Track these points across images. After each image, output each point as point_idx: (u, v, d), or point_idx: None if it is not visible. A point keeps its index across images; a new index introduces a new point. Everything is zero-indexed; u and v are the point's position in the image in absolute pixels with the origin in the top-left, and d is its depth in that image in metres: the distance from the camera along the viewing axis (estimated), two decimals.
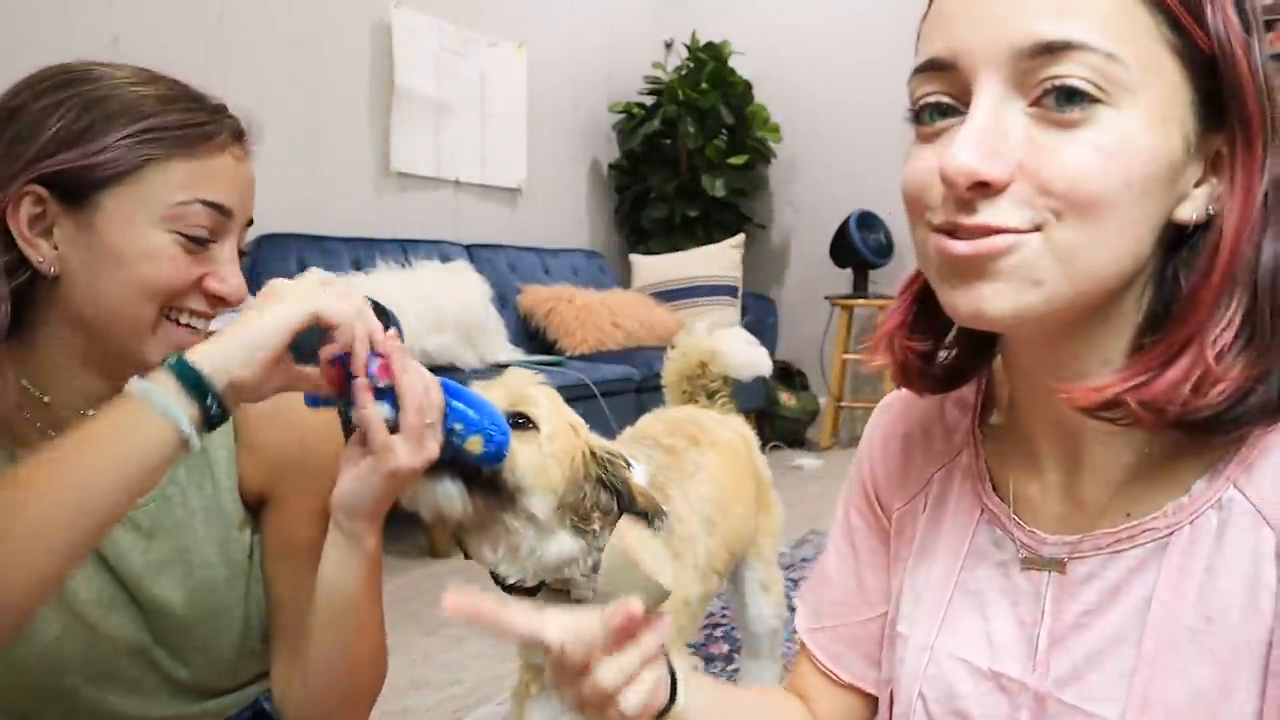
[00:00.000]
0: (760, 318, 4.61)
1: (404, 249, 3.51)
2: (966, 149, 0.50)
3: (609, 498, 1.01)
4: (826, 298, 4.69)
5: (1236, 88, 0.49)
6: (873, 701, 0.75)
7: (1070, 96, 0.49)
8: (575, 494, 0.99)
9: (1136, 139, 0.49)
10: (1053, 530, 0.61)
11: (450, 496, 0.89)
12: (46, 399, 0.78)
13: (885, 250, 4.53)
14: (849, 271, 4.61)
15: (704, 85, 4.66)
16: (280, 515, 0.91)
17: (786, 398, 4.66)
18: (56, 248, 0.74)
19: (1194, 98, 0.51)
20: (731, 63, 4.75)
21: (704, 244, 4.60)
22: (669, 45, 5.14)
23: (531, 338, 3.85)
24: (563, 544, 1.00)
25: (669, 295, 4.39)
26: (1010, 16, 0.49)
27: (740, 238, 4.53)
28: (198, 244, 0.76)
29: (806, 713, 0.77)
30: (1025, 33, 0.49)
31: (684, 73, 4.74)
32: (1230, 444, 0.54)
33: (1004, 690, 0.61)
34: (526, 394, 1.00)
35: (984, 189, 0.50)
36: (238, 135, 0.80)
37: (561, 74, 4.63)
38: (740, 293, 4.49)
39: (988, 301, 0.52)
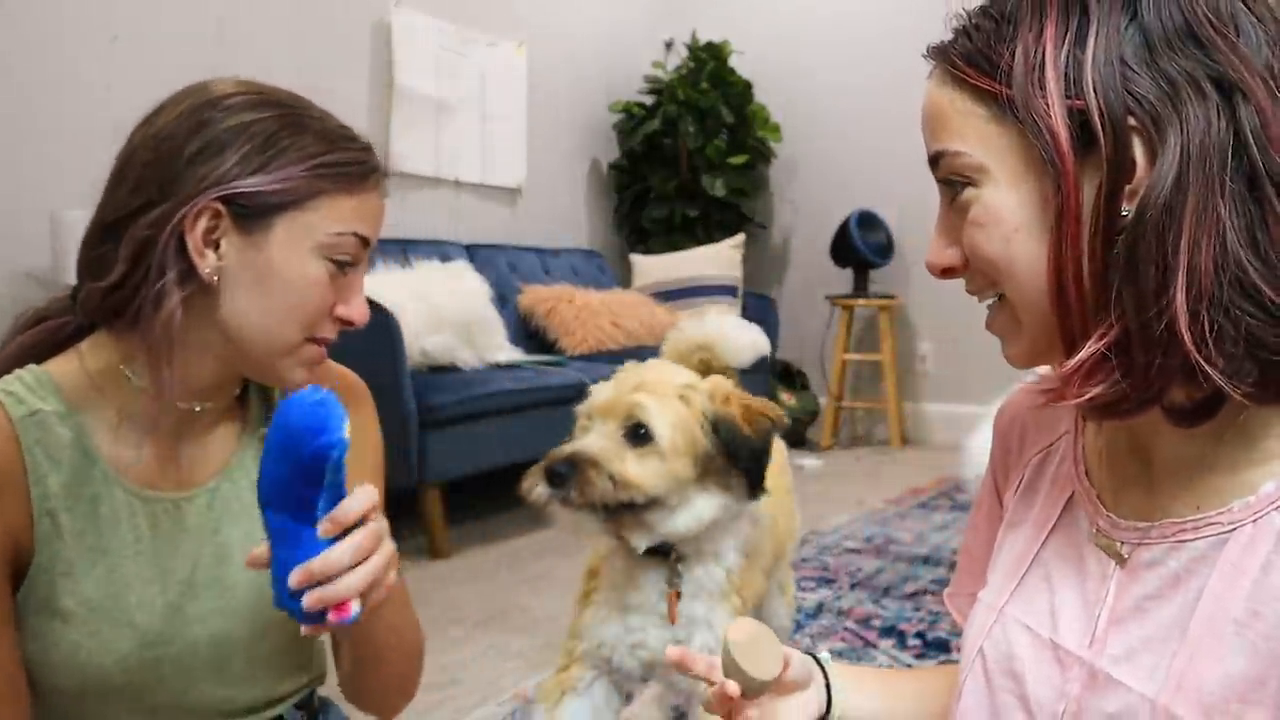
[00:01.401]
0: (760, 318, 4.60)
1: (404, 249, 3.51)
2: (931, 247, 0.65)
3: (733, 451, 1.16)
4: (827, 298, 4.69)
5: (1031, 126, 0.58)
6: None
7: (952, 187, 0.63)
8: (704, 463, 1.16)
9: (997, 201, 0.60)
10: (1127, 517, 0.65)
11: (591, 524, 1.15)
12: (142, 385, 0.81)
13: (885, 250, 4.53)
14: (849, 271, 4.61)
15: (704, 85, 4.66)
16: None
17: (786, 398, 4.66)
18: (221, 259, 0.79)
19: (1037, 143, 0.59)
20: (731, 63, 4.75)
21: (704, 244, 4.60)
22: (669, 45, 5.14)
23: (531, 338, 3.85)
24: (700, 510, 1.16)
25: (669, 295, 4.39)
26: (924, 136, 0.65)
27: (740, 237, 4.53)
28: (343, 269, 0.83)
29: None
30: (927, 149, 0.64)
31: (684, 72, 4.74)
32: None
33: (1059, 661, 0.65)
34: (635, 402, 1.16)
35: (953, 272, 0.65)
36: (383, 175, 0.87)
37: (561, 74, 4.63)
38: (740, 293, 4.49)
39: (1006, 356, 0.66)
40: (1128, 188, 0.56)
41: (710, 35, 4.83)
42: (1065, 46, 0.57)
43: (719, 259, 4.46)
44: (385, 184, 0.88)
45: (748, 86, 4.76)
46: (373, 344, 2.70)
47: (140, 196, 0.78)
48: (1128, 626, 0.62)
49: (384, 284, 3.05)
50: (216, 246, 0.79)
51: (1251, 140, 0.54)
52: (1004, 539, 0.74)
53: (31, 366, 0.81)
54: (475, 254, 3.88)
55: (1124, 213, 0.56)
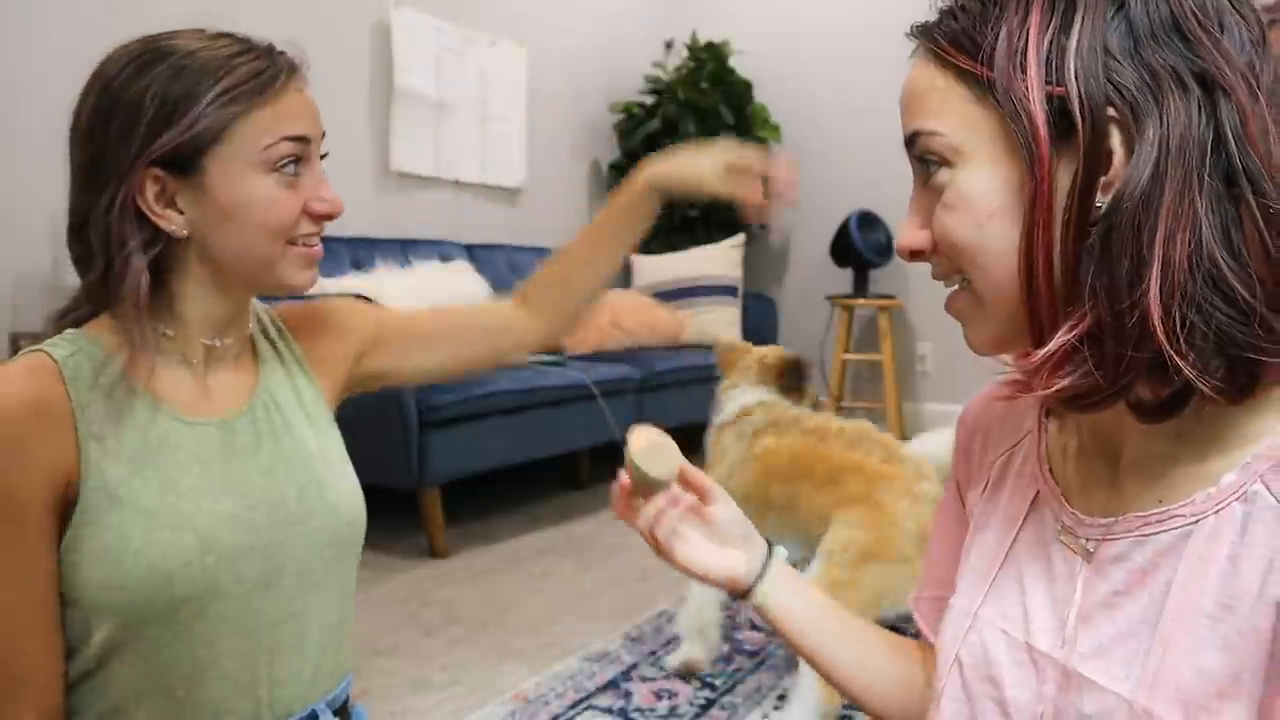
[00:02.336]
0: (760, 318, 4.61)
1: (404, 249, 3.51)
2: (902, 228, 0.65)
3: None
4: (827, 298, 4.69)
5: (1011, 110, 0.58)
6: None
7: (928, 167, 0.62)
8: None
9: (971, 185, 0.60)
10: (1092, 513, 0.65)
11: None
12: (171, 333, 0.89)
13: (885, 250, 4.53)
14: (849, 271, 4.61)
15: (704, 85, 4.66)
16: (391, 350, 1.08)
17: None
18: (184, 213, 0.85)
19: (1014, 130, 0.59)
20: (731, 62, 4.75)
21: (704, 244, 4.60)
22: (669, 45, 5.14)
23: None
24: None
25: (669, 295, 4.39)
26: (902, 115, 0.65)
27: (740, 238, 4.53)
28: (292, 173, 0.87)
29: (919, 662, 0.84)
30: (904, 129, 0.64)
31: (684, 72, 4.73)
32: (1260, 442, 0.57)
33: (1034, 663, 0.65)
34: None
35: (922, 255, 0.65)
36: (294, 70, 0.90)
37: (561, 74, 4.63)
38: (740, 293, 4.49)
39: (968, 339, 0.65)
40: (1103, 179, 0.56)
41: (710, 35, 4.84)
42: (1049, 32, 0.56)
43: (719, 259, 4.46)
44: (303, 76, 0.91)
45: (748, 86, 4.76)
46: None
47: (91, 193, 0.83)
48: (1097, 623, 0.62)
49: (384, 284, 3.05)
50: (174, 204, 0.85)
51: (1231, 137, 0.54)
52: (973, 542, 0.74)
53: (68, 330, 0.87)
54: (475, 254, 3.88)
55: (1098, 204, 0.56)
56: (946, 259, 0.63)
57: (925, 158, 0.62)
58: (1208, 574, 0.56)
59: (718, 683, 2.00)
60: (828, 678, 0.84)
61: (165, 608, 0.82)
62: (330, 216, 0.90)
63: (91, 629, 0.82)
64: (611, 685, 1.99)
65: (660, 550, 0.81)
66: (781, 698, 1.94)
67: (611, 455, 3.95)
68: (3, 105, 2.58)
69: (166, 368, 0.89)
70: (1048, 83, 0.56)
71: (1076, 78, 0.55)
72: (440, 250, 3.67)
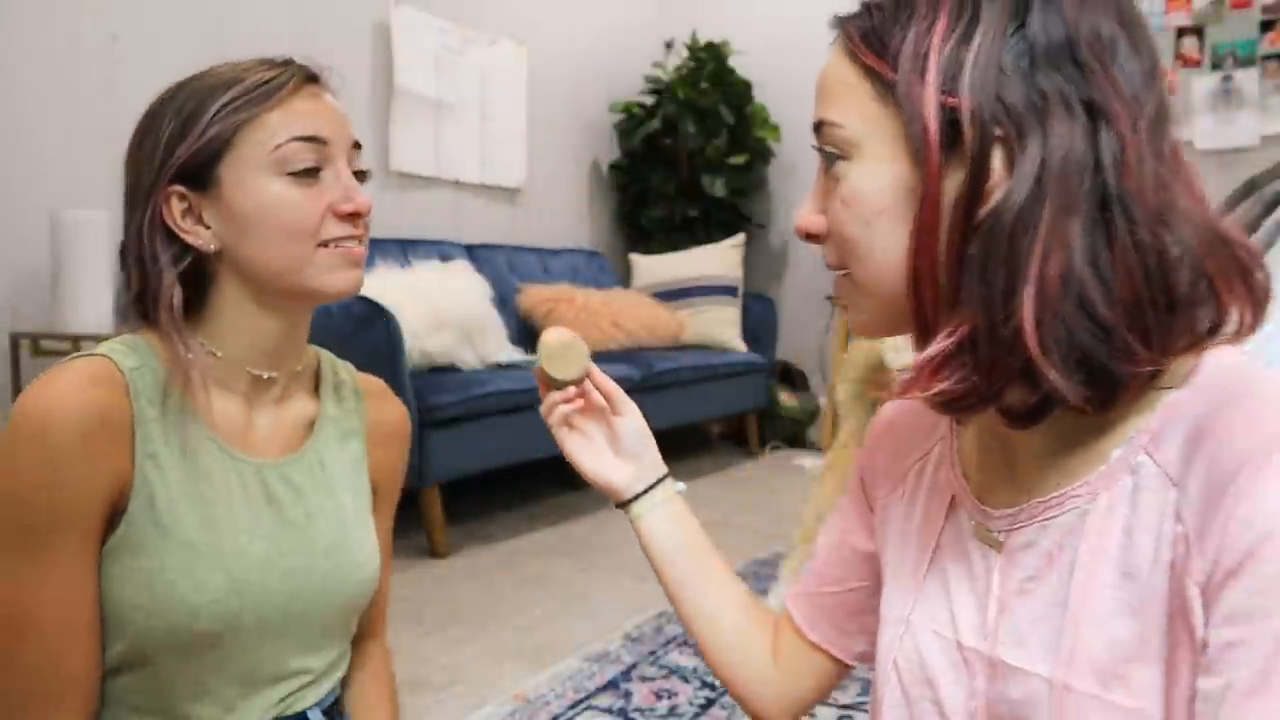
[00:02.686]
0: (760, 318, 4.61)
1: (404, 249, 3.51)
2: (801, 208, 0.68)
3: None
4: (827, 298, 4.69)
5: (908, 112, 0.59)
6: (837, 666, 0.86)
7: (829, 159, 0.64)
8: None
9: (863, 183, 0.62)
10: (999, 507, 0.67)
11: None
12: (220, 354, 0.89)
13: None
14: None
15: (704, 85, 4.66)
16: (378, 515, 1.03)
17: (786, 398, 4.66)
18: (209, 227, 0.86)
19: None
20: (731, 63, 4.75)
21: (704, 244, 4.61)
22: (669, 45, 5.14)
23: (532, 338, 3.84)
24: None
25: (669, 295, 4.39)
26: (815, 104, 0.66)
27: (740, 237, 4.53)
28: (307, 175, 0.85)
29: (767, 645, 0.88)
30: (813, 116, 0.66)
31: (684, 73, 4.73)
32: (1143, 415, 0.60)
33: (965, 660, 0.67)
34: None
35: (816, 239, 0.67)
36: (309, 77, 0.89)
37: (561, 74, 4.63)
38: (740, 292, 4.49)
39: (850, 322, 0.69)
40: (985, 190, 0.58)
41: (710, 35, 4.84)
42: (951, 42, 0.58)
43: (719, 259, 4.46)
44: (322, 83, 0.91)
45: (748, 86, 4.76)
46: (373, 344, 2.70)
47: (131, 215, 0.87)
48: (1015, 611, 0.64)
49: (384, 284, 3.05)
50: (201, 220, 0.86)
51: (1109, 164, 0.56)
52: (898, 550, 0.76)
53: (124, 335, 0.87)
54: (475, 254, 3.88)
55: (981, 214, 0.58)
56: (837, 248, 0.66)
57: (826, 148, 0.64)
58: (1107, 547, 0.59)
59: (717, 683, 2.00)
60: (678, 613, 0.89)
61: (184, 636, 0.83)
62: (356, 213, 0.88)
63: (108, 641, 0.83)
64: (611, 685, 1.99)
65: (558, 442, 0.90)
66: None
67: None
68: (3, 105, 2.58)
69: (215, 394, 0.88)
70: (944, 92, 0.58)
71: (970, 91, 0.57)
72: (440, 250, 3.67)
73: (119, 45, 2.81)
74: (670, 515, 0.89)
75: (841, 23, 0.65)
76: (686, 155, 4.67)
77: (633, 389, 3.77)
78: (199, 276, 0.88)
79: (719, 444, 4.84)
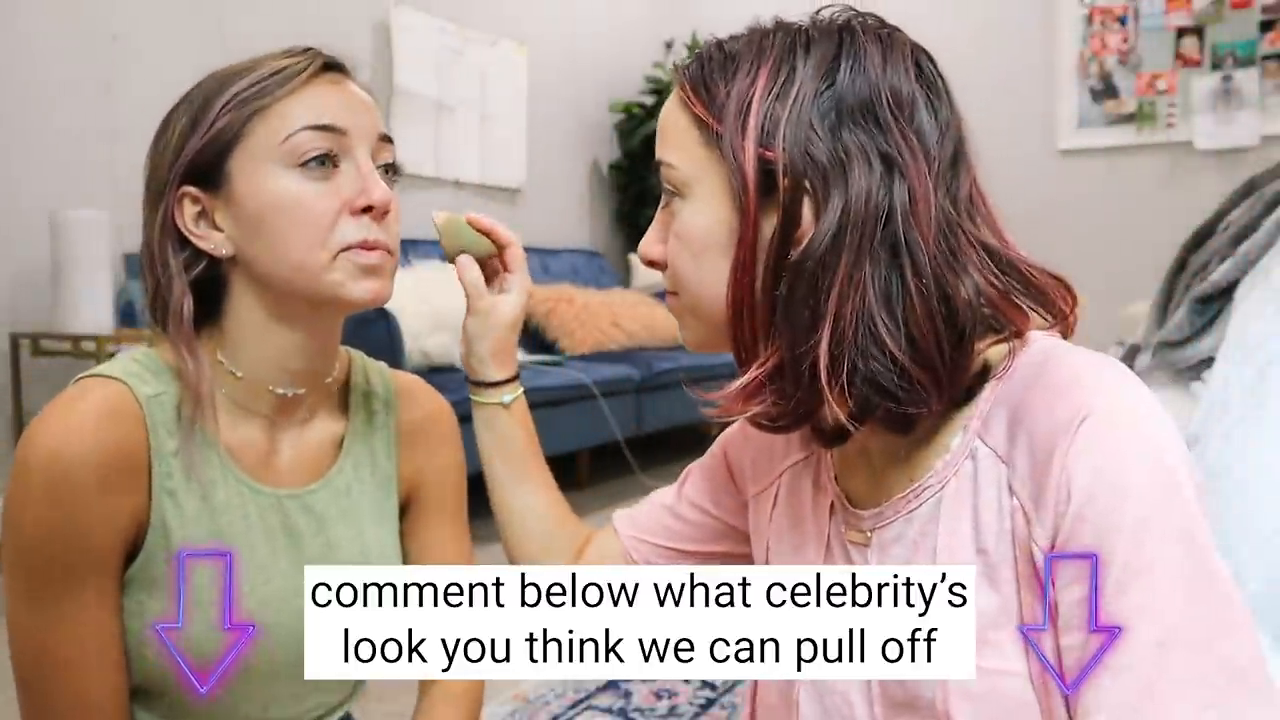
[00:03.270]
0: None
1: (404, 249, 3.50)
2: (644, 240, 0.74)
3: None
4: None
5: (731, 162, 0.65)
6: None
7: (666, 195, 0.70)
8: None
9: (693, 221, 0.68)
10: (866, 507, 0.72)
11: None
12: (239, 374, 0.83)
13: None
14: None
15: None
16: (415, 525, 0.97)
17: None
18: (223, 230, 0.80)
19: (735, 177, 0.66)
20: None
21: None
22: (669, 45, 5.14)
23: (531, 338, 3.85)
24: None
25: None
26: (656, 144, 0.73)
27: None
28: (320, 164, 0.79)
29: (572, 545, 0.96)
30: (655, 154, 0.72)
31: None
32: (973, 404, 0.66)
33: None
34: None
35: (656, 265, 0.73)
36: (327, 66, 0.83)
37: (561, 74, 4.63)
38: None
39: (682, 338, 0.75)
40: (796, 235, 0.63)
41: (710, 35, 4.83)
42: (769, 99, 0.64)
43: None
44: (344, 72, 0.84)
45: None
46: (373, 344, 2.70)
47: (147, 218, 0.82)
48: None
49: None
50: (214, 223, 0.80)
51: (899, 214, 0.62)
52: (790, 554, 0.79)
53: (143, 349, 0.83)
54: None
55: (791, 257, 0.63)
56: (670, 276, 0.72)
57: (665, 185, 0.70)
58: (961, 529, 0.65)
59: (718, 683, 2.01)
60: (491, 500, 0.95)
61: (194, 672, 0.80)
62: (374, 210, 0.80)
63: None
64: (611, 685, 1.99)
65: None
66: None
67: (612, 455, 3.96)
68: (3, 105, 2.58)
69: (235, 418, 0.83)
70: (761, 145, 0.64)
71: (785, 145, 0.63)
72: (440, 250, 3.66)
73: (119, 45, 2.81)
74: (515, 420, 0.94)
75: (678, 71, 0.71)
76: None
77: (633, 389, 3.78)
78: (215, 285, 0.82)
79: None
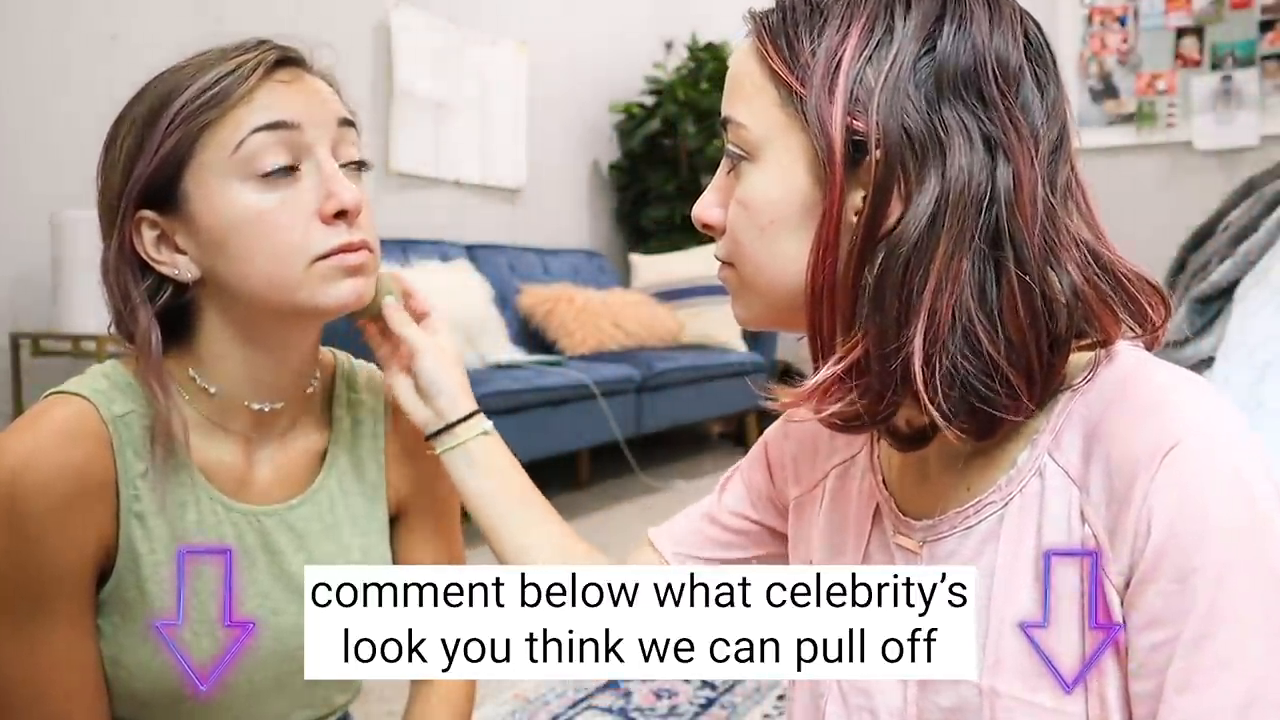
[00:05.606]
0: None
1: (404, 249, 3.51)
2: (701, 198, 0.67)
3: None
4: None
5: (816, 132, 0.58)
6: None
7: (733, 157, 0.63)
8: None
9: (763, 189, 0.61)
10: (919, 515, 0.67)
11: None
12: (213, 391, 0.79)
13: None
14: None
15: (704, 85, 4.66)
16: (407, 536, 0.94)
17: None
18: (185, 253, 0.75)
19: (814, 145, 0.59)
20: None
21: (704, 244, 4.60)
22: (669, 45, 5.14)
23: (531, 338, 3.85)
24: None
25: (669, 295, 4.39)
26: (723, 97, 0.65)
27: None
28: (281, 175, 0.73)
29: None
30: (721, 108, 0.65)
31: (684, 73, 4.74)
32: (1043, 416, 0.60)
33: None
34: None
35: (712, 229, 0.67)
36: (281, 60, 0.78)
37: (562, 74, 4.63)
38: None
39: (734, 311, 0.69)
40: (884, 216, 0.57)
41: (710, 35, 4.83)
42: (861, 60, 0.57)
43: None
44: (298, 65, 0.79)
45: None
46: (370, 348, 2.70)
47: (104, 244, 0.78)
48: None
49: None
50: (176, 247, 0.75)
51: (1003, 202, 0.56)
52: (826, 557, 0.75)
53: (112, 363, 0.79)
54: (475, 254, 3.88)
55: (879, 241, 0.57)
56: (728, 244, 0.65)
57: (731, 145, 0.63)
58: (1022, 550, 0.60)
59: (718, 683, 2.01)
60: (494, 546, 0.87)
61: (170, 700, 0.78)
62: (344, 212, 0.74)
63: None
64: (611, 685, 1.99)
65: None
66: (781, 698, 1.94)
67: (612, 455, 3.96)
68: (3, 105, 2.58)
69: (210, 435, 0.79)
70: (849, 113, 0.57)
71: (877, 114, 0.56)
72: (440, 250, 3.67)
73: (119, 45, 2.81)
74: (475, 457, 0.85)
75: (755, 19, 0.64)
76: (686, 155, 4.67)
77: (633, 389, 3.78)
78: (184, 304, 0.78)
79: (719, 444, 4.83)
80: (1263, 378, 1.39)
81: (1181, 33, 4.22)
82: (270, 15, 3.21)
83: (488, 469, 0.86)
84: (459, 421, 0.85)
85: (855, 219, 0.58)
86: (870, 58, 0.57)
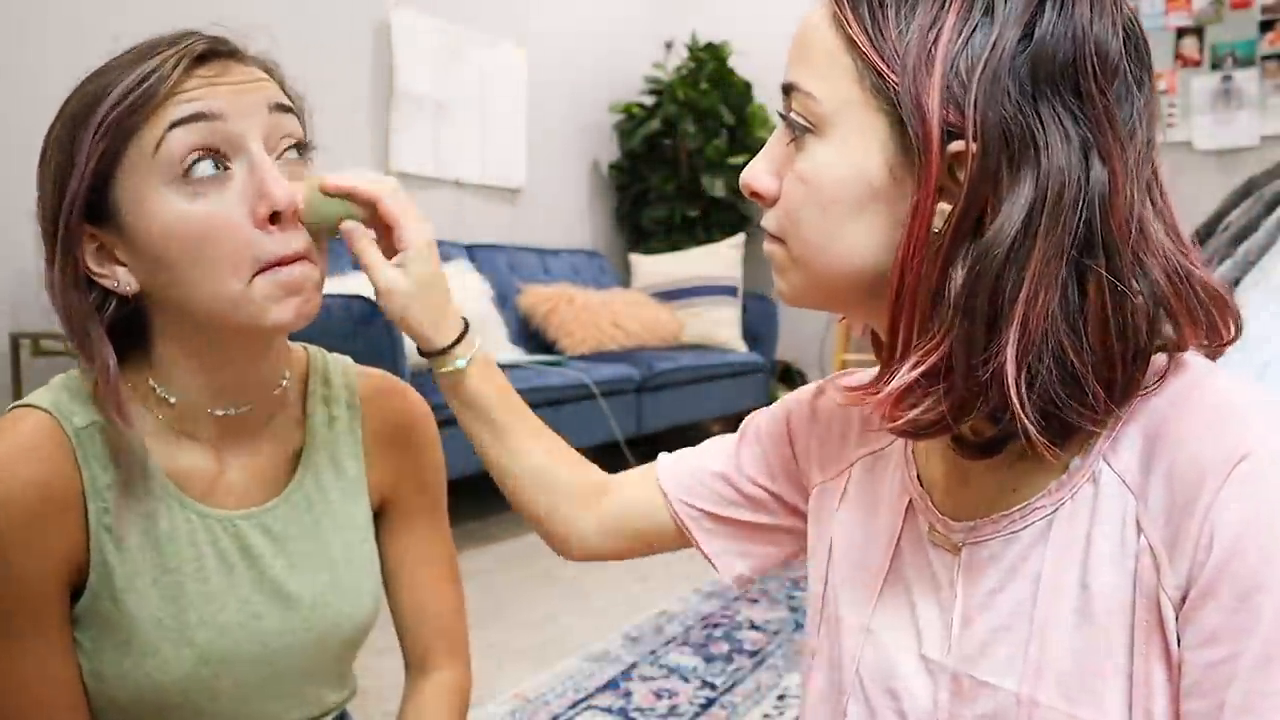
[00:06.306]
0: (760, 318, 4.61)
1: None
2: (751, 165, 0.64)
3: None
4: None
5: (911, 121, 0.54)
6: (675, 544, 0.87)
7: (795, 128, 0.59)
8: None
9: (830, 167, 0.58)
10: (957, 515, 0.65)
11: None
12: (173, 399, 0.76)
13: None
14: None
15: (704, 85, 4.66)
16: (396, 528, 0.93)
17: None
18: (125, 264, 0.72)
19: (890, 129, 0.56)
20: (731, 63, 4.75)
21: (704, 244, 4.61)
22: (669, 45, 5.14)
23: (531, 338, 3.85)
24: None
25: (669, 295, 4.39)
26: (788, 61, 0.61)
27: (740, 238, 4.53)
28: (208, 175, 0.68)
29: (591, 486, 0.90)
30: (784, 76, 0.61)
31: (684, 73, 4.73)
32: (1099, 422, 0.57)
33: (929, 672, 0.65)
34: None
35: (762, 199, 0.64)
36: (205, 54, 0.73)
37: (561, 74, 4.63)
38: (740, 293, 4.49)
39: (776, 287, 0.66)
40: (975, 215, 0.54)
41: (710, 35, 4.84)
42: (959, 44, 0.53)
43: (719, 259, 4.46)
44: (226, 58, 0.74)
45: (748, 86, 4.75)
46: (373, 344, 2.70)
47: (47, 261, 0.75)
48: (978, 624, 0.62)
49: None
50: (116, 259, 0.72)
51: (1096, 205, 0.53)
52: (849, 554, 0.73)
53: (70, 374, 0.76)
54: (475, 254, 3.88)
55: (970, 242, 0.54)
56: (782, 218, 0.62)
57: (794, 115, 0.59)
58: (1071, 558, 0.57)
59: (718, 682, 2.01)
60: (486, 464, 0.88)
61: (155, 710, 0.77)
62: (276, 211, 0.69)
63: None
64: (611, 685, 1.99)
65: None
66: (781, 698, 1.94)
67: (612, 455, 3.97)
68: (3, 105, 2.58)
69: (178, 442, 0.77)
70: (945, 102, 0.53)
71: (975, 107, 0.52)
72: (440, 250, 3.58)
73: (119, 45, 2.81)
74: (478, 373, 0.86)
75: None
76: (686, 155, 4.67)
77: (633, 389, 3.78)
78: (130, 321, 0.75)
79: None
80: (1262, 376, 1.39)
81: (1181, 33, 4.22)
82: (271, 16, 3.21)
83: (473, 398, 0.87)
84: (449, 348, 0.84)
85: (949, 215, 0.55)
86: (968, 40, 0.53)
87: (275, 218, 0.69)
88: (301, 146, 0.74)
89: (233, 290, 0.69)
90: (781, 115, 0.61)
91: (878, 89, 0.55)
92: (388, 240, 0.79)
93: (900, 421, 0.57)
